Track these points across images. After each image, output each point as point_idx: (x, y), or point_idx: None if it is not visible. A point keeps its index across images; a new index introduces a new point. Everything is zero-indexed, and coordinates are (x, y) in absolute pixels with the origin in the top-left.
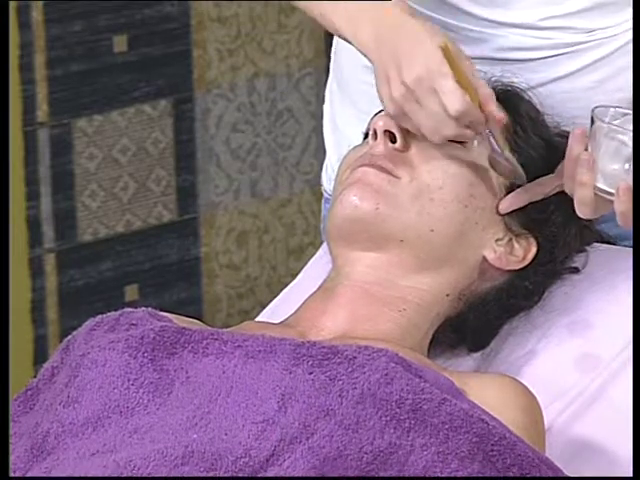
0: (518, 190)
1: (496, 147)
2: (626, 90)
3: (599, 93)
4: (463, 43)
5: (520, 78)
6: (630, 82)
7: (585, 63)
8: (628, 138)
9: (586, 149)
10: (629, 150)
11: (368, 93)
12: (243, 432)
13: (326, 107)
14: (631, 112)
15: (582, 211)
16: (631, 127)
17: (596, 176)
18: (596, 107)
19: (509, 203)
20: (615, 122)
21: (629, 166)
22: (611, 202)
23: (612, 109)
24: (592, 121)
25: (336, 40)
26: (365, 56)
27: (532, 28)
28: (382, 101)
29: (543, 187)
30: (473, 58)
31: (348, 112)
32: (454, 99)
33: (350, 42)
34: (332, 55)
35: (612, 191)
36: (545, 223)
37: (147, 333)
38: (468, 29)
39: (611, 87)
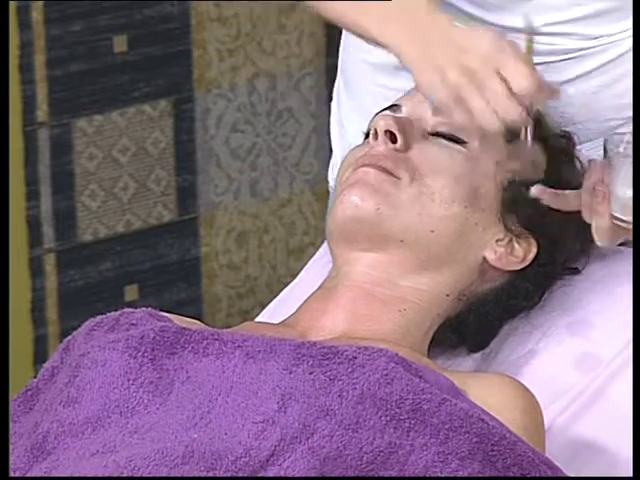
0: (551, 190)
1: (530, 140)
2: (628, 96)
3: (602, 98)
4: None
5: None
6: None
7: (588, 68)
8: None
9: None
10: None
11: (372, 92)
12: (243, 432)
13: (333, 105)
14: None
15: (600, 239)
16: None
17: (612, 205)
18: (611, 134)
19: (542, 192)
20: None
21: None
22: (628, 230)
23: (627, 136)
24: (605, 150)
25: (344, 37)
26: (396, 54)
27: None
28: (425, 92)
29: (567, 201)
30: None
31: (353, 110)
32: (523, 76)
33: (378, 42)
34: (340, 53)
35: (628, 219)
36: (545, 224)
37: (147, 333)
38: None
39: (614, 92)
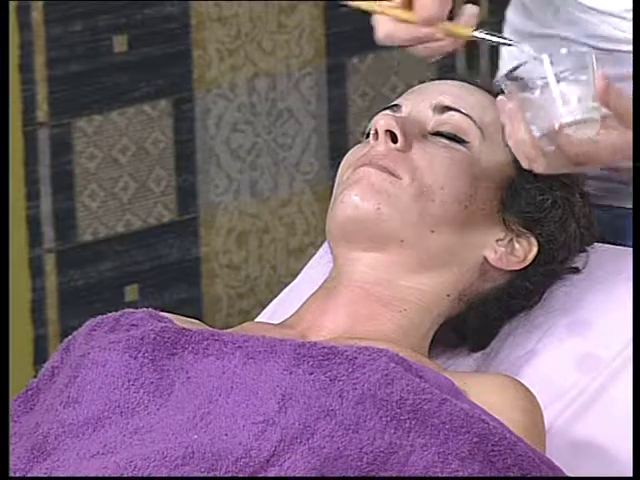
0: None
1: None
2: None
3: None
4: (561, 22)
5: None
6: None
7: None
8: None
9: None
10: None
11: None
12: (243, 432)
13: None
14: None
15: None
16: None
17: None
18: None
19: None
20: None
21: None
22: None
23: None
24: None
25: None
26: None
27: (617, 17)
28: None
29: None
30: (567, 39)
31: None
32: None
33: None
34: None
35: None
36: (545, 223)
37: (147, 334)
38: (564, 10)
39: None
